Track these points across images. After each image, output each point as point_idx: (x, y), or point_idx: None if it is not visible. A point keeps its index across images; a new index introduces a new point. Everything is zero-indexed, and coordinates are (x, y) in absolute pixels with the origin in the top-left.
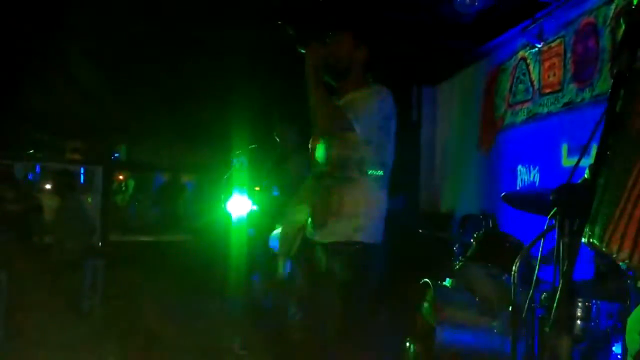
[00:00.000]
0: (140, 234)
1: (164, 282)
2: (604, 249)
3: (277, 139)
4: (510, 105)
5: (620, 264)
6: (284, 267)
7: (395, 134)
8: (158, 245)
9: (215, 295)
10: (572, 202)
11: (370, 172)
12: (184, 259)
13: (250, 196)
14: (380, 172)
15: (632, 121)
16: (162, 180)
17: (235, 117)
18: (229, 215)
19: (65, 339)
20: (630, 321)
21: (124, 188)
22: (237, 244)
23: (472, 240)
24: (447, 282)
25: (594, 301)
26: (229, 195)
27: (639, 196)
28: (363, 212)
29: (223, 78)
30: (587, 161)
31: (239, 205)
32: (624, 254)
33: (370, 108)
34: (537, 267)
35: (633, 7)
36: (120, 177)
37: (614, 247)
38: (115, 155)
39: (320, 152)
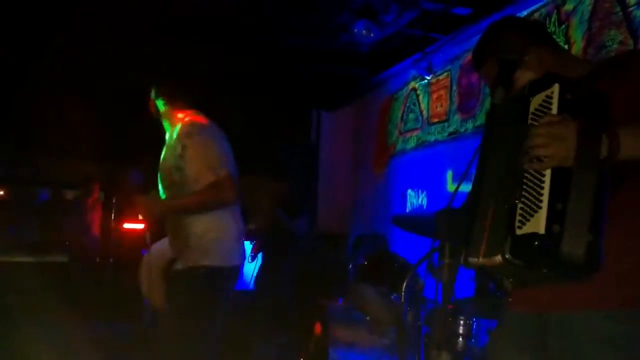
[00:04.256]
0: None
1: (43, 306)
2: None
3: None
4: (401, 133)
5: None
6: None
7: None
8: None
9: (102, 320)
10: (451, 225)
11: None
12: (68, 281)
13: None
14: None
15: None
16: (46, 196)
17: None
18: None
19: None
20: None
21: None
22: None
23: (364, 260)
24: (340, 302)
25: (474, 319)
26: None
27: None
28: (206, 238)
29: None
30: (468, 187)
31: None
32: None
33: (204, 152)
34: (422, 286)
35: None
36: (1, 192)
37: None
38: None
39: (161, 192)
